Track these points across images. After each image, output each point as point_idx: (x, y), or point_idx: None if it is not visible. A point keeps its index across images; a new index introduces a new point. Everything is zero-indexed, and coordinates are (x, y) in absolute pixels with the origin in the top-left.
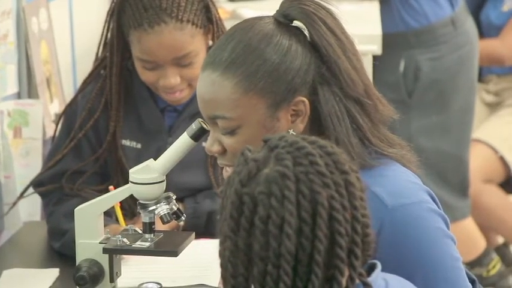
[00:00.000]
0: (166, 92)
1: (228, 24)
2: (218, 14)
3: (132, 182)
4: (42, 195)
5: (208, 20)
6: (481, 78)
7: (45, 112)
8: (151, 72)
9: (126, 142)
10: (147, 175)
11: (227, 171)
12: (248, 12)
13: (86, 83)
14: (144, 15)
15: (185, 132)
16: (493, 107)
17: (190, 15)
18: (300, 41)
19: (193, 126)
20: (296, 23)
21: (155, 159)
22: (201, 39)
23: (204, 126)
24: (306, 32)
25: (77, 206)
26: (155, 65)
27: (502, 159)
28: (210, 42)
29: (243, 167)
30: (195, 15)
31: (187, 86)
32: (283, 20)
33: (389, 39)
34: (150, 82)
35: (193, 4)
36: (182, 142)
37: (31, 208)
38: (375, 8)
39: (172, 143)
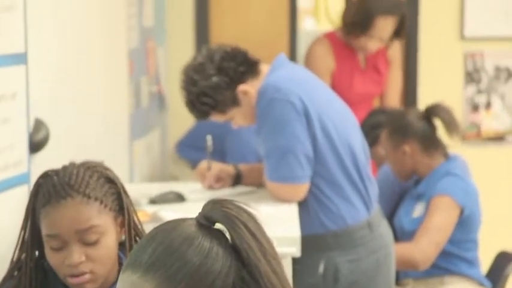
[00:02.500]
0: (71, 274)
1: (149, 227)
2: (132, 205)
3: None
4: None
5: (120, 209)
6: (398, 282)
7: None
8: (58, 253)
9: None
10: None
11: None
12: (169, 214)
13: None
14: (52, 192)
15: None
16: None
17: (98, 194)
18: (221, 244)
19: None
20: (218, 225)
21: None
22: (109, 221)
23: None
24: (228, 235)
25: None
26: (61, 241)
27: None
28: (123, 237)
29: None
30: (104, 195)
31: (90, 271)
32: (205, 222)
33: (308, 241)
34: (57, 265)
35: (103, 186)
36: None
37: None
38: (294, 210)
39: None
